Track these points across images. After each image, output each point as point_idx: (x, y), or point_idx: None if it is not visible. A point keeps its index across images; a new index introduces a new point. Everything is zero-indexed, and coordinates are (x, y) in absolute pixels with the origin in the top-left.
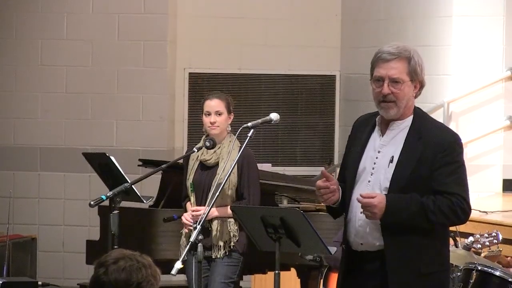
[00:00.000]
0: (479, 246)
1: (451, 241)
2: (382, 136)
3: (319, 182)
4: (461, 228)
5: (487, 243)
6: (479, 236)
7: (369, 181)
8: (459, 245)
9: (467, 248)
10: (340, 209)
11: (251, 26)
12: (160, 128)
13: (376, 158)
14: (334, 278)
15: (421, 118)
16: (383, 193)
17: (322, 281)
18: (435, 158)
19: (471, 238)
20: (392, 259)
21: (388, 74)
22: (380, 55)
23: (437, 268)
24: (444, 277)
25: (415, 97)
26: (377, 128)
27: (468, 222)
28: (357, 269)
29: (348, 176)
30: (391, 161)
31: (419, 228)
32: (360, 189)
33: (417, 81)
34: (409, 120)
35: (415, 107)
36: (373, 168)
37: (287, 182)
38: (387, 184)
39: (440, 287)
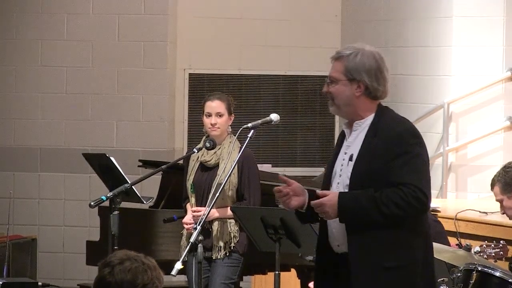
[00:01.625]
0: (485, 256)
1: (453, 242)
2: (348, 137)
3: (276, 188)
4: (461, 228)
5: (493, 254)
6: (485, 246)
7: (338, 183)
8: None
9: (467, 248)
10: (309, 214)
11: (251, 27)
12: (160, 128)
13: (343, 159)
14: None
15: (381, 115)
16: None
17: None
18: (388, 151)
19: (477, 248)
20: (354, 254)
21: (329, 73)
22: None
23: (404, 261)
24: (412, 269)
25: (373, 98)
26: (345, 131)
27: (468, 223)
28: (335, 270)
29: (324, 182)
30: (351, 159)
31: (379, 223)
32: None
33: (358, 81)
34: (370, 119)
35: (380, 105)
36: (340, 170)
37: None
38: (348, 182)
39: (409, 280)
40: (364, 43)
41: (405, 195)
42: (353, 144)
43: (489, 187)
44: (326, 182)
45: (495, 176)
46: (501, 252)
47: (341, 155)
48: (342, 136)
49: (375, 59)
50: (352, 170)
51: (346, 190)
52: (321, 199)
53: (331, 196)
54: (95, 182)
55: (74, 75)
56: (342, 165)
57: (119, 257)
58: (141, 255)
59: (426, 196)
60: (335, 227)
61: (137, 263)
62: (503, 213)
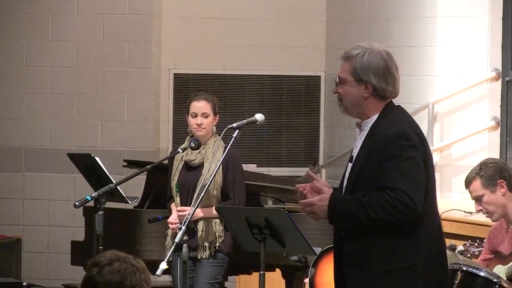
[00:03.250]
0: (468, 255)
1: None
2: (358, 137)
3: (297, 185)
4: (446, 228)
5: (477, 253)
6: (469, 245)
7: (346, 185)
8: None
9: (452, 248)
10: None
11: (236, 27)
12: (145, 128)
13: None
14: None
15: (384, 116)
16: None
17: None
18: (379, 154)
19: (461, 247)
20: (347, 258)
21: (338, 74)
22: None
23: (395, 265)
24: (407, 274)
25: (381, 98)
26: (357, 130)
27: (453, 223)
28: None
29: (341, 182)
30: (351, 160)
31: (366, 227)
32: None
33: (366, 82)
34: (374, 119)
35: (387, 105)
36: (346, 171)
37: (272, 182)
38: (345, 184)
39: (403, 284)
40: (373, 42)
41: (392, 199)
42: (358, 144)
43: None
44: (341, 182)
45: (471, 173)
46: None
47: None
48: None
49: (383, 58)
50: (350, 172)
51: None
52: (311, 199)
53: (323, 197)
54: (79, 182)
55: (59, 75)
56: (348, 167)
57: (109, 257)
58: (131, 257)
59: (413, 201)
60: None
61: (126, 264)
62: (480, 210)
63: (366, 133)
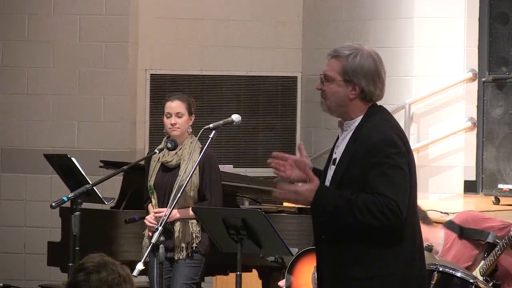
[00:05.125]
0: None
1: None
2: (340, 137)
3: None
4: None
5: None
6: None
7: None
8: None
9: (429, 249)
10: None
11: (212, 28)
12: (122, 129)
13: (330, 162)
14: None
15: (368, 118)
16: None
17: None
18: (364, 160)
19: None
20: (323, 263)
21: (324, 70)
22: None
23: (377, 272)
24: (390, 281)
25: (367, 100)
26: (339, 130)
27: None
28: None
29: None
30: (333, 163)
31: (350, 227)
32: None
33: (354, 84)
34: (358, 121)
35: (370, 107)
36: (327, 173)
37: (248, 183)
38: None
39: None
40: (362, 43)
41: (381, 204)
42: (340, 146)
43: (451, 188)
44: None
45: None
46: None
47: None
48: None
49: (374, 61)
50: (333, 174)
51: None
52: (298, 188)
53: (310, 188)
54: (56, 182)
55: (35, 75)
56: (329, 168)
57: (97, 263)
58: (118, 264)
59: (400, 210)
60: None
61: (114, 274)
62: None
63: (349, 135)
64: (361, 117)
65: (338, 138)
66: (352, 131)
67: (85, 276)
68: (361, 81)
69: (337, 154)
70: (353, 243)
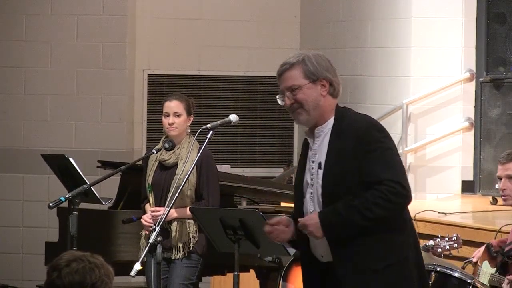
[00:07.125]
0: (439, 250)
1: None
2: (312, 145)
3: (267, 228)
4: (420, 229)
5: (447, 247)
6: (439, 240)
7: (311, 193)
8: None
9: (426, 249)
10: (300, 240)
11: (210, 28)
12: (119, 129)
13: (312, 169)
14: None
15: (341, 116)
16: (321, 200)
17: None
18: (356, 150)
19: (431, 242)
20: (340, 262)
21: (285, 86)
22: (277, 72)
23: (393, 259)
24: (404, 266)
25: (334, 96)
26: (308, 139)
27: (427, 223)
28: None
29: (297, 195)
30: (320, 167)
31: (367, 229)
32: (308, 205)
33: (321, 79)
34: (331, 122)
35: (338, 107)
36: (311, 180)
37: (246, 183)
38: (321, 190)
39: (401, 277)
40: (302, 51)
41: (384, 194)
42: (319, 151)
43: (447, 188)
44: (299, 195)
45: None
46: (455, 244)
47: (308, 165)
48: (306, 146)
49: (325, 57)
50: (323, 177)
51: (320, 199)
52: (302, 220)
53: (312, 215)
54: (54, 183)
55: (33, 75)
56: (312, 175)
57: (66, 259)
58: (88, 254)
59: (405, 188)
60: (316, 240)
61: (83, 262)
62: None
63: (326, 137)
64: (332, 118)
65: (307, 148)
66: (328, 132)
67: (57, 273)
68: (326, 74)
69: (320, 158)
70: (366, 237)
